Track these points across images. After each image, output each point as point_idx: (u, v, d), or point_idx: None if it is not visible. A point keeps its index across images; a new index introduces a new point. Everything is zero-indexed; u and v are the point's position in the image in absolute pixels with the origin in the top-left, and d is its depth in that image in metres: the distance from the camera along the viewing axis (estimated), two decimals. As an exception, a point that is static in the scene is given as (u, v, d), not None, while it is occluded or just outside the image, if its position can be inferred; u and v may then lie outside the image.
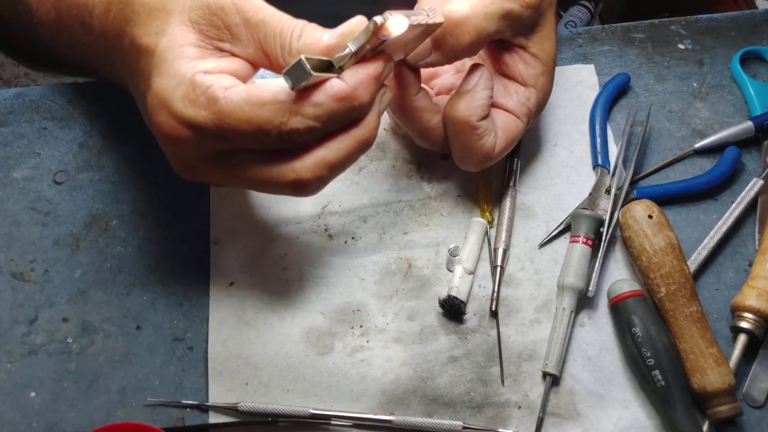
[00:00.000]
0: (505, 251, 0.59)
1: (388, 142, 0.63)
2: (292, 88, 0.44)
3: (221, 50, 0.47)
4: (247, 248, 0.59)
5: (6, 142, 0.62)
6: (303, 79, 0.43)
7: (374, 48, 0.45)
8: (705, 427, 0.54)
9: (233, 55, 0.48)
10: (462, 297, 0.57)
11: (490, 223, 0.60)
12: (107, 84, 0.64)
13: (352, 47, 0.44)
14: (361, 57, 0.45)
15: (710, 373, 0.53)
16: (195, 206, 0.60)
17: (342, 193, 0.61)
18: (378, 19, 0.43)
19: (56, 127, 0.63)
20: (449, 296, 0.57)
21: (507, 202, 0.61)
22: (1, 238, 0.59)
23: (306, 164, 0.47)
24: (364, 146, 0.48)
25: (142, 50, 0.47)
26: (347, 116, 0.46)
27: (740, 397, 0.56)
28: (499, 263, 0.58)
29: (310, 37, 0.46)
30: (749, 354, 0.56)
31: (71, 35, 0.55)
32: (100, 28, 0.52)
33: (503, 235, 0.59)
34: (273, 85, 0.45)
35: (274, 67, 0.47)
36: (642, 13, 0.84)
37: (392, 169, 0.62)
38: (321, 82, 0.45)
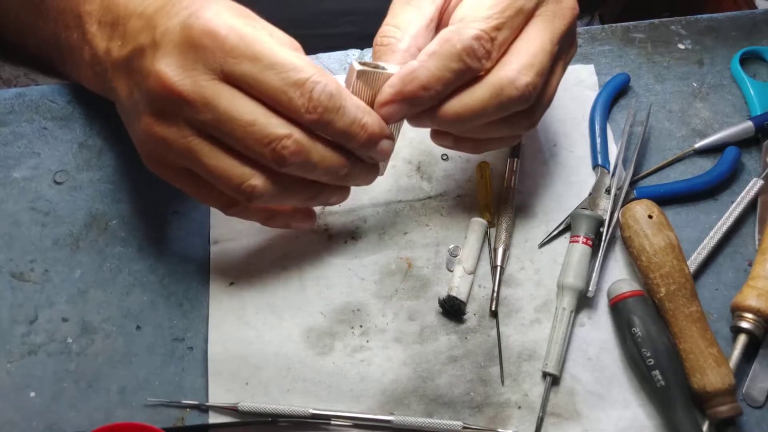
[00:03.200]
0: (505, 251, 0.59)
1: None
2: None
3: None
4: (247, 248, 0.59)
5: (6, 142, 0.62)
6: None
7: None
8: (705, 427, 0.54)
9: None
10: (462, 297, 0.57)
11: (490, 223, 0.60)
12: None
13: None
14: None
15: (710, 373, 0.53)
16: (195, 206, 0.60)
17: (342, 193, 0.61)
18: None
19: (56, 127, 0.63)
20: (449, 296, 0.57)
21: (507, 202, 0.61)
22: (1, 238, 0.59)
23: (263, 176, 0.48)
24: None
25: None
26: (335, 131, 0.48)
27: (740, 397, 0.56)
28: (498, 263, 0.58)
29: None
30: (749, 354, 0.56)
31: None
32: None
33: (503, 235, 0.59)
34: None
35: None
36: (642, 13, 0.84)
37: (392, 169, 0.62)
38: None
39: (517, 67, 0.48)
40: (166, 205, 0.60)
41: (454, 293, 0.57)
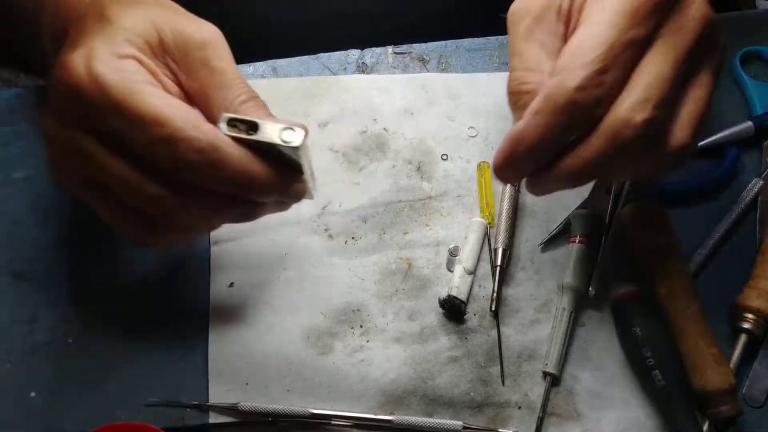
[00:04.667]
0: (505, 251, 0.59)
1: (387, 142, 0.63)
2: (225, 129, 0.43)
3: (167, 66, 0.46)
4: (247, 248, 0.59)
5: (6, 142, 0.62)
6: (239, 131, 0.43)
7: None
8: (705, 427, 0.54)
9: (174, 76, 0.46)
10: (462, 297, 0.57)
11: (491, 223, 0.60)
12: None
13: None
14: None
15: (710, 373, 0.53)
16: (195, 206, 0.60)
17: (342, 193, 0.61)
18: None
19: (56, 127, 0.63)
20: (449, 296, 0.57)
21: (507, 202, 0.61)
22: (1, 238, 0.59)
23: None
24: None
25: (96, 15, 0.45)
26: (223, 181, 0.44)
27: (740, 397, 0.56)
28: (498, 263, 0.58)
29: (250, 110, 0.45)
30: (749, 354, 0.56)
31: None
32: None
33: (503, 235, 0.59)
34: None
35: (205, 109, 0.45)
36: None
37: (392, 169, 0.62)
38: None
39: (630, 104, 0.43)
40: (166, 205, 0.60)
41: (454, 293, 0.57)
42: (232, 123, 0.43)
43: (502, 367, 0.56)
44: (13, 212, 0.60)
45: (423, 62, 0.67)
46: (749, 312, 0.56)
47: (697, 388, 0.53)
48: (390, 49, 0.68)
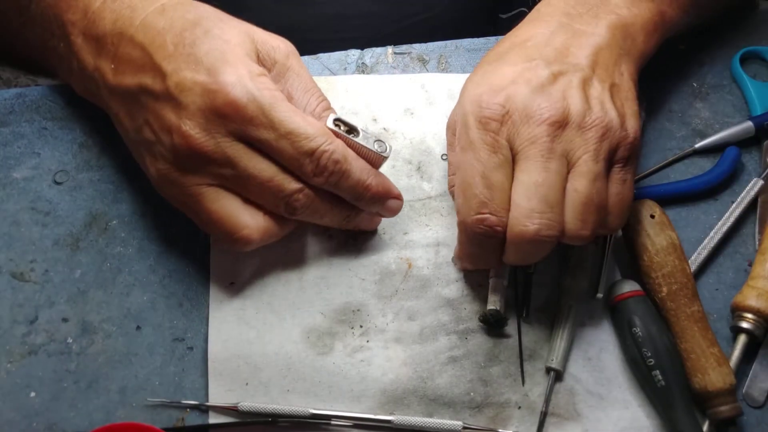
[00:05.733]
0: None
1: (387, 142, 0.63)
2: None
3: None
4: (247, 248, 0.59)
5: (6, 142, 0.62)
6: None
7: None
8: (705, 427, 0.54)
9: None
10: (503, 309, 0.56)
11: None
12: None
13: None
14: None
15: (711, 372, 0.53)
16: (195, 206, 0.60)
17: (342, 193, 0.61)
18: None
19: (56, 127, 0.63)
20: (491, 311, 0.56)
21: None
22: (1, 238, 0.59)
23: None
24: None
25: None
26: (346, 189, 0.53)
27: (740, 397, 0.56)
28: (531, 270, 0.58)
29: (328, 114, 0.54)
30: (749, 354, 0.57)
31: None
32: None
33: None
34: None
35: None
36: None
37: (392, 169, 0.62)
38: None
39: (518, 219, 0.50)
40: (166, 205, 0.60)
41: (496, 307, 0.56)
42: (336, 122, 0.52)
43: (522, 369, 0.56)
44: (13, 212, 0.60)
45: (423, 62, 0.67)
46: (749, 312, 0.56)
47: (697, 388, 0.53)
48: (390, 49, 0.68)
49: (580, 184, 0.50)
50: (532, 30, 0.56)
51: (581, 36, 0.55)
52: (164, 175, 0.52)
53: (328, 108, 0.55)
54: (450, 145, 0.59)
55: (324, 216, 0.54)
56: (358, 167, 0.53)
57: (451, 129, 0.58)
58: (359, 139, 0.53)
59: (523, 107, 0.51)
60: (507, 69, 0.53)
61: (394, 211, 0.57)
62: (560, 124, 0.50)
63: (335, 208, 0.55)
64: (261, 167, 0.51)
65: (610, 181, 0.52)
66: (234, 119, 0.49)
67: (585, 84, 0.52)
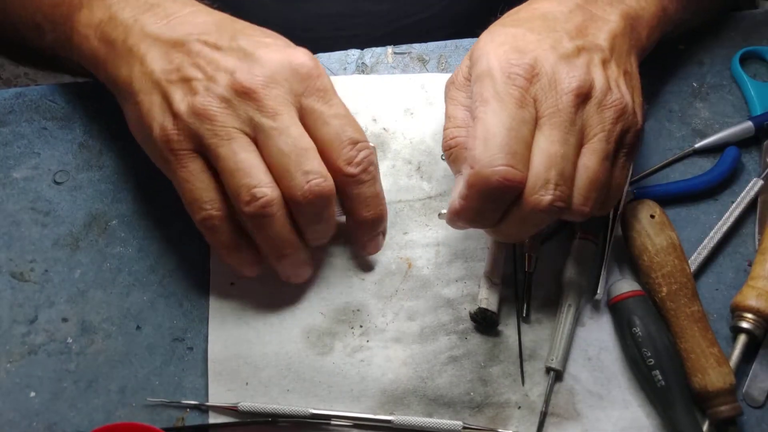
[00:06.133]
0: (530, 257, 0.58)
1: (387, 142, 0.63)
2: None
3: None
4: (247, 248, 0.59)
5: (6, 142, 0.62)
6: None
7: None
8: (705, 427, 0.54)
9: None
10: (493, 308, 0.56)
11: None
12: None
13: None
14: None
15: (711, 372, 0.53)
16: (195, 206, 0.60)
17: (342, 193, 0.61)
18: None
19: (56, 127, 0.63)
20: (480, 309, 0.56)
21: None
22: (1, 238, 0.59)
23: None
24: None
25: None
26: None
27: (740, 397, 0.56)
28: (529, 269, 0.58)
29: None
30: (749, 354, 0.56)
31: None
32: None
33: (531, 241, 0.58)
34: None
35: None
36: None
37: (392, 169, 0.62)
38: None
39: (535, 188, 0.49)
40: (166, 205, 0.60)
41: (484, 305, 0.56)
42: None
43: (522, 369, 0.56)
44: (13, 212, 0.60)
45: (423, 62, 0.67)
46: (749, 312, 0.56)
47: (697, 388, 0.53)
48: (390, 49, 0.68)
49: (591, 161, 0.50)
50: (549, 6, 0.55)
51: (598, 20, 0.55)
52: (200, 110, 0.50)
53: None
54: (452, 99, 0.56)
55: (330, 217, 0.54)
56: (381, 184, 0.55)
57: (455, 84, 0.56)
58: None
59: (552, 72, 0.50)
60: (530, 35, 0.52)
61: (377, 247, 0.58)
62: (585, 97, 0.50)
63: (284, 235, 0.52)
64: (301, 133, 0.51)
65: (614, 165, 0.52)
66: (304, 80, 0.51)
67: (605, 64, 0.52)
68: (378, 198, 0.55)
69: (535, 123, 0.50)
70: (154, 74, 0.51)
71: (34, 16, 0.59)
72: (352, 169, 0.52)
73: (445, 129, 0.55)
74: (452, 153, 0.53)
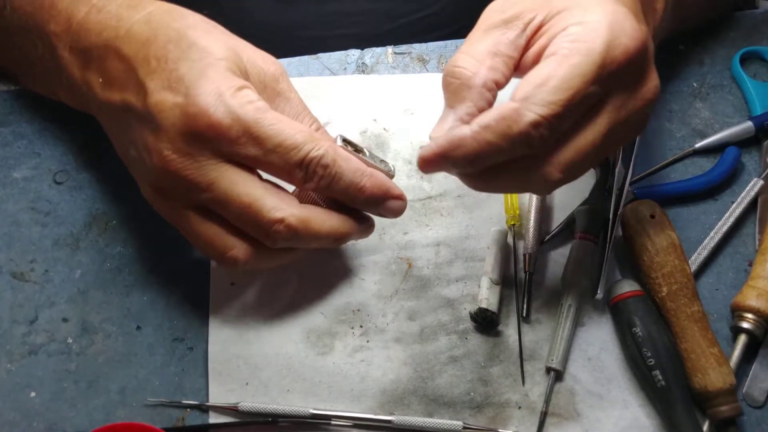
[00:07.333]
0: (531, 255, 0.58)
1: (387, 142, 0.63)
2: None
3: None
4: (247, 248, 0.59)
5: (6, 142, 0.62)
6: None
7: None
8: (705, 427, 0.54)
9: None
10: (493, 308, 0.56)
11: (516, 222, 0.59)
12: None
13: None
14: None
15: (711, 372, 0.53)
16: (195, 206, 0.60)
17: (342, 193, 0.61)
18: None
19: (56, 127, 0.63)
20: (480, 309, 0.56)
21: (534, 208, 0.60)
22: (1, 238, 0.59)
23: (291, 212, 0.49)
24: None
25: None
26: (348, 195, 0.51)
27: (740, 397, 0.56)
28: (529, 269, 0.58)
29: (324, 135, 0.53)
30: (749, 354, 0.56)
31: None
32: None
33: (532, 241, 0.58)
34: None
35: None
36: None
37: (392, 169, 0.62)
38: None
39: (558, 166, 0.46)
40: (166, 205, 0.60)
41: (484, 305, 0.56)
42: (344, 142, 0.52)
43: (522, 369, 0.56)
44: (13, 212, 0.60)
45: (423, 62, 0.67)
46: (749, 312, 0.56)
47: (698, 388, 0.53)
48: (390, 49, 0.68)
49: (592, 134, 0.47)
50: None
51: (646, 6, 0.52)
52: (149, 195, 0.51)
53: (320, 128, 0.54)
54: (482, 28, 0.49)
55: (311, 243, 0.51)
56: (350, 169, 0.50)
57: (490, 19, 0.49)
58: (366, 158, 0.52)
59: (641, 72, 0.48)
60: (632, 20, 0.48)
61: (395, 212, 0.53)
62: (652, 103, 0.48)
63: (322, 237, 0.51)
64: (240, 191, 0.48)
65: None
66: (217, 141, 0.47)
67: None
68: (353, 186, 0.51)
69: (599, 100, 0.46)
70: (119, 150, 0.53)
71: None
72: (310, 185, 0.50)
73: (458, 52, 0.48)
74: (453, 84, 0.48)
